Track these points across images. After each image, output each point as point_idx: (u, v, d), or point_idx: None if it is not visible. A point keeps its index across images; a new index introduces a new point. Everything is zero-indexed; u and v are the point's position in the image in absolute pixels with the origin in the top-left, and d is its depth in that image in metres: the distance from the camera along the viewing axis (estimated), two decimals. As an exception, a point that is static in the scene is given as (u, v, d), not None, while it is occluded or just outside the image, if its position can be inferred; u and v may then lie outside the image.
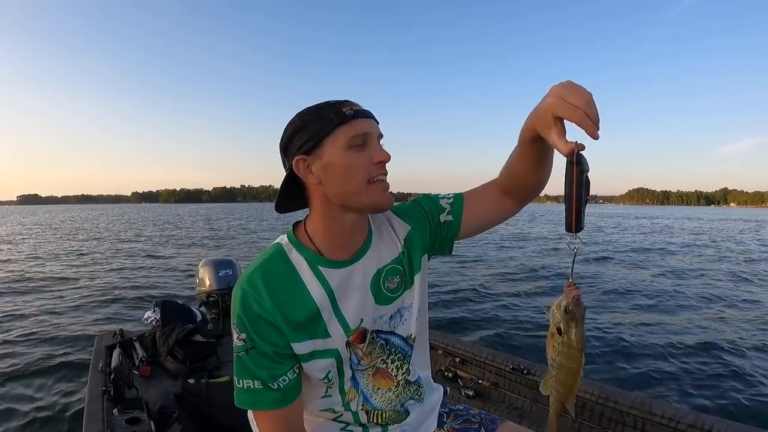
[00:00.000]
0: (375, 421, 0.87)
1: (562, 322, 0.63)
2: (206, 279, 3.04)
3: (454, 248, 0.94)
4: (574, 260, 0.64)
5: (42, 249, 13.90)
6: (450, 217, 0.88)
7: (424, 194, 0.93)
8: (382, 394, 0.87)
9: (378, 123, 0.79)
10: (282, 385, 0.76)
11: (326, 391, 0.84)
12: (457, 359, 2.24)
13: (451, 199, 0.89)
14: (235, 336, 0.76)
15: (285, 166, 0.79)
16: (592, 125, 0.56)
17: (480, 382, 2.13)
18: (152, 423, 1.58)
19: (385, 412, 0.88)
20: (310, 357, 0.78)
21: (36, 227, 26.79)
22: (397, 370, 0.88)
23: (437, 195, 0.92)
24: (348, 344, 0.81)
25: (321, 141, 0.73)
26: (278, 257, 0.80)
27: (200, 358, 2.29)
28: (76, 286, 7.53)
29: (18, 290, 7.18)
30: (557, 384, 0.68)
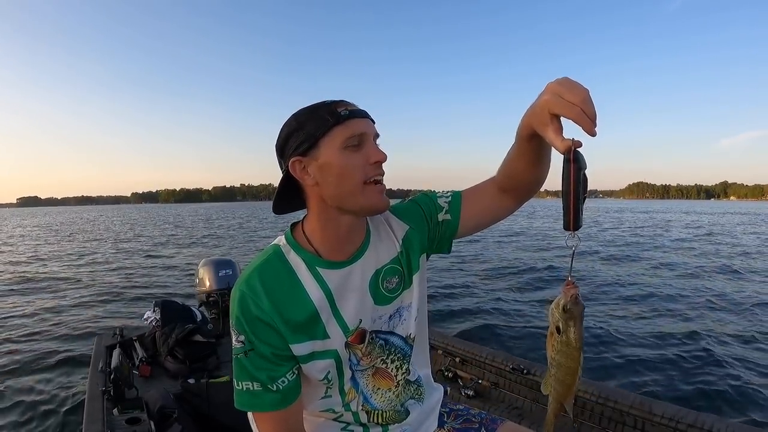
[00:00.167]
0: (375, 420, 0.87)
1: (561, 321, 0.63)
2: (206, 279, 3.04)
3: (453, 246, 0.93)
4: (572, 258, 0.64)
5: (42, 250, 13.92)
6: (448, 216, 0.88)
7: (422, 193, 0.93)
8: (382, 394, 0.87)
9: (374, 122, 0.78)
10: (281, 387, 0.76)
11: (326, 392, 0.84)
12: (457, 359, 2.24)
13: (449, 198, 0.89)
14: (233, 338, 0.76)
15: (281, 168, 0.79)
16: (589, 122, 0.55)
17: (480, 382, 2.13)
18: (152, 423, 1.58)
19: (386, 412, 0.88)
20: (309, 358, 0.78)
21: (36, 229, 26.79)
22: (397, 370, 0.88)
23: (435, 194, 0.91)
24: (347, 345, 0.81)
25: (317, 142, 0.73)
26: (276, 259, 0.79)
27: (200, 358, 2.30)
28: (76, 286, 7.54)
29: (18, 291, 7.19)
30: (556, 383, 0.68)
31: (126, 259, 11.27)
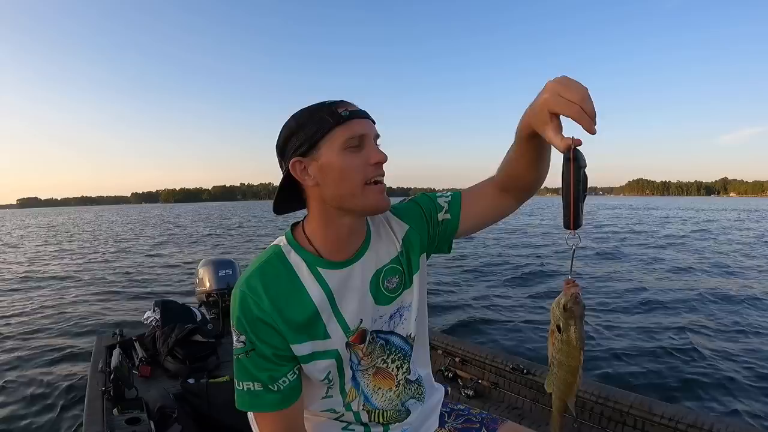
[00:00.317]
0: (376, 420, 0.87)
1: (562, 320, 0.63)
2: (206, 279, 3.04)
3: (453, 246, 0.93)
4: (572, 257, 0.64)
5: (42, 250, 13.92)
6: (448, 216, 0.88)
7: (422, 193, 0.93)
8: (383, 393, 0.87)
9: (374, 123, 0.78)
10: (282, 387, 0.76)
11: (327, 392, 0.83)
12: (457, 359, 2.24)
13: (449, 198, 0.89)
14: (234, 338, 0.76)
15: (282, 168, 0.79)
16: (588, 120, 0.55)
17: (480, 382, 2.13)
18: (152, 423, 1.58)
19: (386, 411, 0.88)
20: (310, 358, 0.78)
21: (36, 230, 26.79)
22: (398, 370, 0.88)
23: (435, 193, 0.92)
24: (348, 345, 0.81)
25: (317, 143, 0.73)
26: (276, 259, 0.79)
27: (200, 358, 2.30)
28: (76, 286, 7.55)
29: (19, 290, 7.20)
30: (558, 382, 0.68)
31: (126, 259, 11.28)
